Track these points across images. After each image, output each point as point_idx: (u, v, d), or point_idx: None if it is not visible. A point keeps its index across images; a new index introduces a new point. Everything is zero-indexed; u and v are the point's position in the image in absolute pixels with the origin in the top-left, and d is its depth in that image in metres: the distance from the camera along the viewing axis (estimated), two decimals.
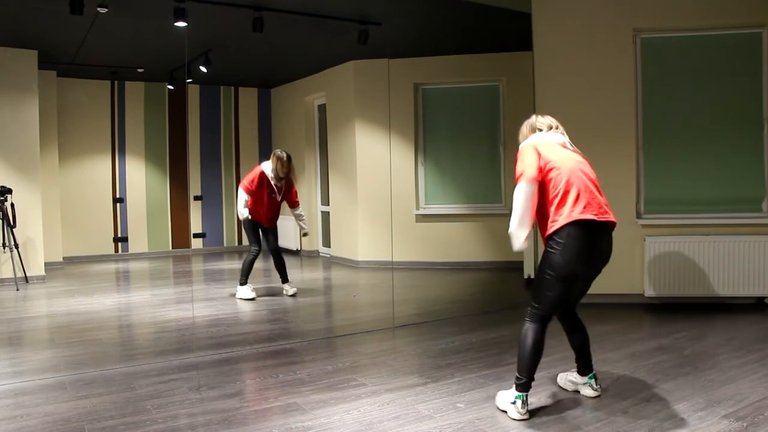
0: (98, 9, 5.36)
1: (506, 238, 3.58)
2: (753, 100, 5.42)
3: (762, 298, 5.35)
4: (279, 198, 6.00)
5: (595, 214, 2.97)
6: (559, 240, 2.96)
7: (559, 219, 2.96)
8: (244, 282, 5.98)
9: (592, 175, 3.11)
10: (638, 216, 5.53)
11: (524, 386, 3.01)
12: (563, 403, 3.20)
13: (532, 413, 3.05)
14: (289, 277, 6.20)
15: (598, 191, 3.07)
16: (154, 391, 3.47)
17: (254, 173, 5.89)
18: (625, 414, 3.03)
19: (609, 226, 3.06)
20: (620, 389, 3.37)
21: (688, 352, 4.04)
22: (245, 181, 5.89)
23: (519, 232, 2.99)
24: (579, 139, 5.59)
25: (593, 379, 3.31)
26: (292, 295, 6.09)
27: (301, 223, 6.23)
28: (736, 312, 5.13)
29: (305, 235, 6.46)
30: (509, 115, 7.60)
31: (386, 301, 5.61)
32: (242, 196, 5.87)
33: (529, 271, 6.57)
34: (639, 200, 5.57)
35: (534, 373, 3.05)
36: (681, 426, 2.86)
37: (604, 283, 5.54)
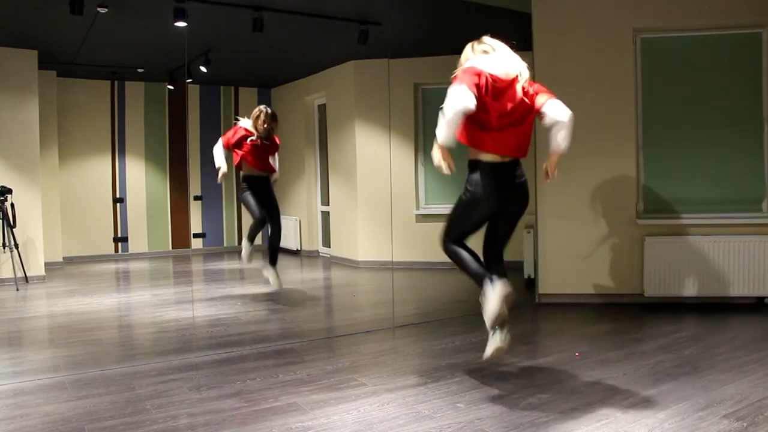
0: (98, 9, 5.36)
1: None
2: (753, 100, 5.42)
3: (762, 298, 5.35)
4: (268, 143, 5.81)
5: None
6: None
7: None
8: (250, 239, 5.91)
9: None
10: (638, 216, 5.53)
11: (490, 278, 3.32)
12: (563, 402, 3.20)
13: (532, 413, 3.06)
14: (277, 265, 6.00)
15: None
16: (154, 391, 3.47)
17: (232, 131, 5.80)
18: (625, 414, 3.02)
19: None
20: (620, 389, 3.37)
21: (688, 352, 4.04)
22: (223, 138, 5.83)
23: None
24: (579, 139, 5.57)
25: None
26: (274, 289, 5.90)
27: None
28: (736, 312, 5.13)
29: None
30: None
31: (386, 301, 5.61)
32: (219, 149, 5.82)
33: (529, 271, 6.57)
34: (639, 200, 5.57)
35: (485, 271, 3.38)
36: (681, 426, 2.86)
37: (604, 283, 5.58)
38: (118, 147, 8.42)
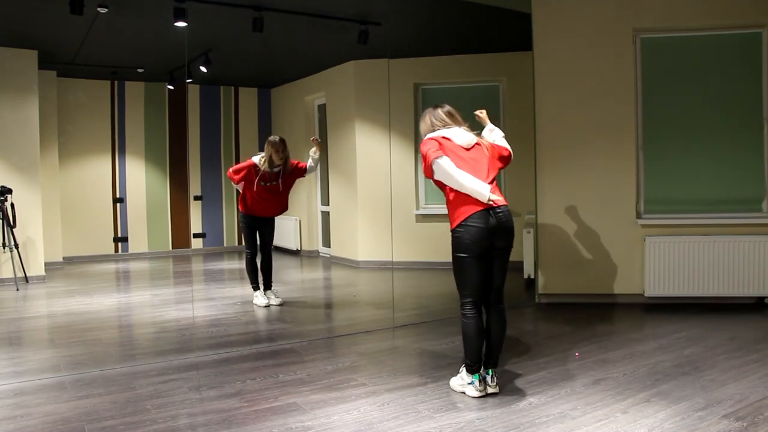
0: (98, 9, 5.36)
1: None
2: (753, 100, 5.42)
3: (762, 298, 5.35)
4: (280, 184, 5.56)
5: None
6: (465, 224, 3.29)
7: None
8: (255, 287, 5.84)
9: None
10: (638, 216, 5.53)
11: (477, 369, 3.32)
12: (563, 402, 3.20)
13: (532, 413, 3.06)
14: (273, 285, 5.89)
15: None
16: (154, 391, 3.47)
17: (243, 164, 5.55)
18: (625, 414, 3.03)
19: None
20: (620, 389, 3.38)
21: (688, 352, 4.05)
22: (231, 169, 5.58)
23: (482, 188, 3.23)
24: (579, 140, 5.63)
25: (490, 375, 3.37)
26: (279, 305, 5.74)
27: (312, 161, 5.78)
28: (736, 312, 5.13)
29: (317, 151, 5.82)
30: (509, 115, 7.59)
31: (386, 301, 5.61)
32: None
33: (529, 271, 6.57)
34: (639, 200, 5.57)
35: (482, 356, 3.35)
36: (681, 426, 2.86)
37: (604, 283, 5.58)
38: (118, 147, 8.42)
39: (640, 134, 5.57)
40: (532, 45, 5.66)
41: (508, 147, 3.61)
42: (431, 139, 3.41)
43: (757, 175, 5.42)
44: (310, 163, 5.76)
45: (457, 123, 3.50)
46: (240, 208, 5.74)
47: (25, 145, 6.86)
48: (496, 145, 3.57)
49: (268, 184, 5.54)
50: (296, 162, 5.76)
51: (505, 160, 3.54)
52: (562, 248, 5.63)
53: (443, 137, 3.39)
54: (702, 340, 4.32)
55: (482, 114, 3.80)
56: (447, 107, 3.57)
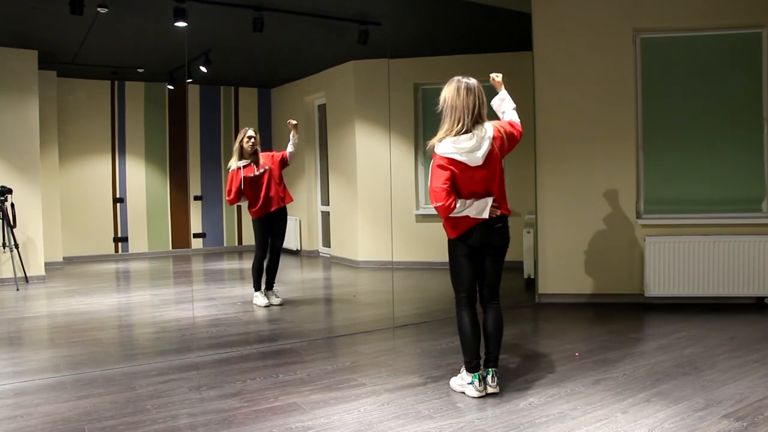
0: (98, 9, 5.37)
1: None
2: (753, 100, 5.42)
3: (762, 298, 5.35)
4: (259, 171, 5.58)
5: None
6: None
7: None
8: (257, 287, 5.84)
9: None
10: (638, 216, 5.53)
11: (475, 367, 3.31)
12: (563, 402, 3.20)
13: (532, 413, 3.06)
14: (274, 285, 5.90)
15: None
16: (154, 391, 3.47)
17: (229, 181, 5.58)
18: (625, 414, 3.03)
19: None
20: (620, 389, 3.37)
21: (688, 352, 4.05)
22: (228, 195, 5.60)
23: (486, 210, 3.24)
24: (579, 139, 5.63)
25: (491, 375, 3.34)
26: (279, 305, 5.77)
27: (292, 146, 5.88)
28: (736, 312, 5.13)
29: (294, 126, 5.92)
30: None
31: (386, 301, 5.62)
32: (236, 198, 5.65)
33: (529, 271, 6.57)
34: (639, 200, 5.57)
35: (479, 353, 3.33)
36: (681, 426, 2.86)
37: (604, 283, 5.59)
38: (118, 147, 8.42)
39: (640, 134, 5.57)
40: (532, 45, 5.66)
41: (518, 123, 3.45)
42: (441, 166, 3.18)
43: (757, 175, 5.42)
44: (290, 149, 5.86)
45: (481, 120, 3.22)
46: (251, 214, 5.78)
47: (25, 145, 6.86)
48: (507, 130, 3.32)
49: (254, 174, 5.58)
50: (272, 153, 5.83)
51: (515, 144, 3.39)
52: (562, 248, 5.63)
53: (458, 162, 3.17)
54: (702, 340, 4.32)
55: (498, 78, 3.58)
56: (473, 98, 3.19)
